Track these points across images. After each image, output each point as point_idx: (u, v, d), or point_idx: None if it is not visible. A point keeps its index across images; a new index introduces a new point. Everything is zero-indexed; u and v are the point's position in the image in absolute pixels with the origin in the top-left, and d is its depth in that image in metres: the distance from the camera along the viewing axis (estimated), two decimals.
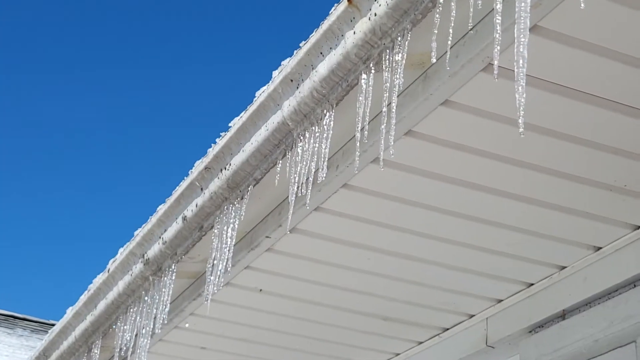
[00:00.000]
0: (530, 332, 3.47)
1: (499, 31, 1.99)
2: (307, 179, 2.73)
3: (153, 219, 3.50)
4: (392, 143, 2.36)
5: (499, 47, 1.99)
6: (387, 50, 2.38)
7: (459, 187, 2.89)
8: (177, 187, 3.33)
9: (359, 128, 2.48)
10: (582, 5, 1.79)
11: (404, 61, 2.31)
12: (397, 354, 4.12)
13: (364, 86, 2.46)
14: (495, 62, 1.95)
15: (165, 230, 3.45)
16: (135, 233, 3.65)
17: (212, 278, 3.16)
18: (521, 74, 1.85)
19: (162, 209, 3.44)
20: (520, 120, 1.83)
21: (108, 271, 3.88)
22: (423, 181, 2.87)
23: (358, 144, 2.51)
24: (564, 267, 3.33)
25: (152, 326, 3.60)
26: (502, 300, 3.58)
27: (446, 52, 2.27)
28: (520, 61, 1.86)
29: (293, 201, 2.76)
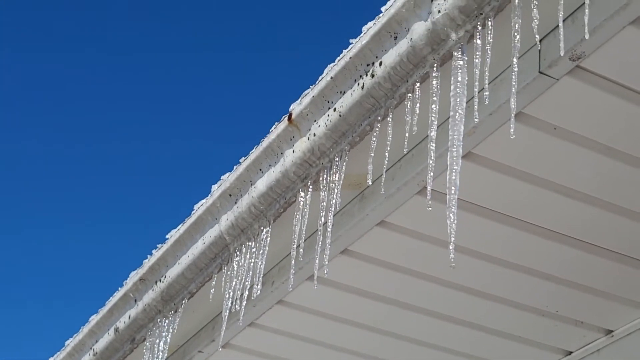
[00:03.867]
0: None
1: (432, 157, 2.04)
2: (242, 294, 2.72)
3: (85, 329, 3.44)
4: (327, 262, 2.38)
5: (432, 173, 2.04)
6: (325, 170, 2.42)
7: (392, 307, 2.91)
8: (111, 298, 3.29)
9: (295, 245, 2.49)
10: (512, 135, 1.85)
11: (341, 181, 2.35)
12: None
13: (302, 204, 2.49)
14: (428, 188, 2.00)
15: (96, 341, 3.39)
16: (66, 343, 3.58)
17: None
18: (453, 201, 1.89)
19: (94, 319, 3.39)
20: (451, 247, 1.87)
21: None
22: (357, 299, 2.88)
23: (293, 262, 2.52)
24: None
25: None
26: None
27: (382, 174, 2.31)
28: (452, 188, 1.90)
29: (226, 317, 2.74)
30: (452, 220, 1.86)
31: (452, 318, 2.94)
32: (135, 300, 3.16)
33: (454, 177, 1.89)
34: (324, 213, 2.42)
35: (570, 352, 3.09)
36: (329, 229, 2.42)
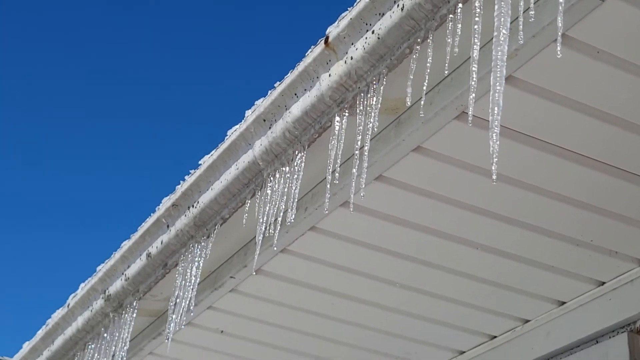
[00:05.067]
0: None
1: (474, 79, 2.00)
2: (276, 219, 2.71)
3: (117, 255, 3.46)
4: (363, 186, 2.36)
5: (474, 95, 2.00)
6: (362, 94, 2.38)
7: (426, 235, 2.89)
8: (143, 224, 3.29)
9: (330, 170, 2.47)
10: (559, 54, 1.81)
11: (378, 105, 2.32)
12: None
13: (337, 129, 2.46)
14: (470, 109, 1.96)
15: (128, 267, 3.41)
16: (98, 268, 3.60)
17: (173, 316, 3.11)
18: (495, 122, 1.86)
19: (126, 245, 3.40)
20: (493, 168, 1.84)
21: (68, 306, 3.81)
22: (391, 227, 2.86)
23: (328, 186, 2.50)
24: (527, 321, 3.32)
25: None
26: (464, 352, 3.56)
27: (420, 98, 2.28)
28: (495, 109, 1.87)
29: (260, 241, 2.74)
30: (494, 140, 1.83)
31: (486, 246, 2.93)
32: (168, 226, 3.16)
33: (497, 98, 1.86)
34: (359, 138, 2.40)
35: (603, 283, 3.07)
36: (365, 154, 2.40)
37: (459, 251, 2.95)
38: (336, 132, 2.46)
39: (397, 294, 3.22)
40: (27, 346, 4.20)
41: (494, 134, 1.85)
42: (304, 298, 3.32)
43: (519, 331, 3.36)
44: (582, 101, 2.35)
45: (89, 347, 3.74)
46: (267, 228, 2.71)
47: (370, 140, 2.40)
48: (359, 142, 2.40)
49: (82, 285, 3.73)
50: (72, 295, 3.80)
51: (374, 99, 2.34)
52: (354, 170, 2.41)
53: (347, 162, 2.56)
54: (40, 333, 4.06)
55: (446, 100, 2.32)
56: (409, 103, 2.23)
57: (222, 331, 3.60)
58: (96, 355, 3.67)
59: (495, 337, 3.44)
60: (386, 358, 3.66)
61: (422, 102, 2.27)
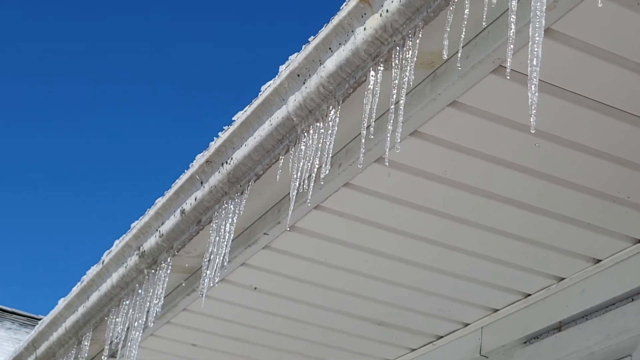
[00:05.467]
0: (525, 343, 3.44)
1: (512, 29, 1.97)
2: (309, 175, 2.70)
3: (151, 212, 3.47)
4: (399, 141, 2.34)
5: (512, 46, 1.97)
6: (397, 48, 2.36)
7: (461, 191, 2.87)
8: (177, 180, 3.30)
9: (365, 125, 2.45)
10: (600, 4, 1.77)
11: (414, 59, 2.29)
12: None
13: (372, 83, 2.44)
14: (508, 60, 1.93)
15: (162, 223, 3.42)
16: (132, 225, 3.62)
17: (207, 272, 3.13)
18: (534, 73, 1.83)
19: (160, 201, 3.41)
20: (532, 120, 1.81)
21: (102, 263, 3.84)
22: (425, 183, 2.85)
23: (363, 141, 2.48)
24: (562, 279, 3.30)
25: (144, 320, 3.57)
26: (498, 310, 3.55)
27: (457, 52, 2.25)
28: (534, 60, 1.84)
29: (294, 197, 2.73)
30: (533, 92, 1.80)
31: (521, 203, 2.90)
32: (202, 182, 3.16)
33: (536, 49, 1.83)
34: (395, 92, 2.38)
35: (639, 240, 3.04)
36: (400, 109, 2.38)
37: (494, 208, 2.93)
38: (371, 86, 2.44)
39: (430, 251, 3.21)
40: (62, 302, 4.25)
41: (533, 86, 1.82)
42: (337, 255, 3.31)
43: (553, 289, 3.34)
44: (622, 54, 2.31)
45: (124, 303, 3.77)
46: (301, 184, 2.70)
47: (406, 95, 2.38)
48: (394, 97, 2.38)
49: (116, 242, 3.75)
50: (107, 252, 3.83)
51: (410, 52, 2.31)
52: (389, 125, 2.39)
53: (382, 117, 2.54)
54: (76, 289, 4.10)
55: (483, 54, 2.29)
56: (445, 56, 2.20)
57: (255, 288, 3.61)
58: (131, 311, 3.70)
59: (529, 295, 3.43)
60: (420, 315, 3.66)
61: (459, 56, 2.24)
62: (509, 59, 1.95)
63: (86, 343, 4.11)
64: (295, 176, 2.71)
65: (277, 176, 2.85)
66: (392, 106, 2.38)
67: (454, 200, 2.92)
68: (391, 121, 2.38)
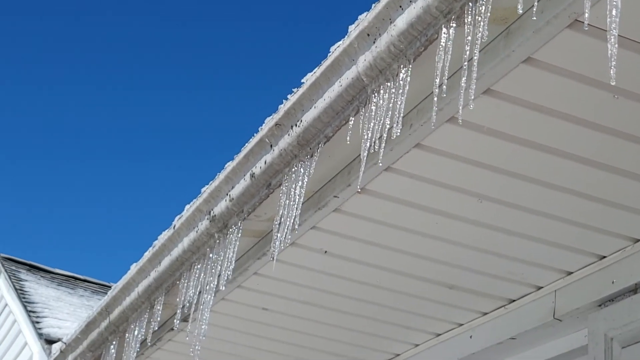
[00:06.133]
0: (600, 305, 3.39)
1: None
2: (380, 136, 2.68)
3: (221, 176, 3.48)
4: (473, 98, 2.30)
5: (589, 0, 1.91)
6: (470, 4, 2.31)
7: (535, 151, 2.81)
8: (247, 144, 3.30)
9: (437, 84, 2.42)
10: None
11: (487, 14, 2.24)
12: (461, 324, 4.06)
13: (444, 41, 2.40)
14: (586, 12, 1.88)
15: (232, 187, 3.43)
16: (203, 190, 3.64)
17: (278, 235, 3.13)
18: (613, 24, 1.77)
19: (230, 165, 3.42)
20: (611, 72, 1.76)
21: (174, 227, 3.87)
22: (498, 143, 2.80)
23: (436, 99, 2.44)
24: (638, 240, 3.24)
25: (216, 283, 3.59)
26: (572, 273, 3.50)
27: (532, 6, 2.20)
28: (614, 11, 1.78)
29: (365, 158, 2.71)
30: (612, 43, 1.75)
31: (596, 162, 2.84)
32: (271, 146, 3.15)
33: (614, 1, 1.77)
34: (468, 50, 2.34)
35: None
36: (473, 66, 2.34)
37: (569, 167, 2.87)
38: (443, 44, 2.40)
39: (503, 212, 3.17)
40: (134, 268, 4.30)
41: (612, 37, 1.77)
42: (407, 217, 3.29)
43: (629, 251, 3.27)
44: None
45: (195, 267, 3.80)
46: (372, 145, 2.68)
47: (479, 52, 2.33)
48: (467, 54, 2.34)
49: (187, 206, 3.77)
50: (178, 216, 3.85)
51: (483, 8, 2.27)
52: (462, 82, 2.35)
53: (454, 75, 2.50)
54: (147, 254, 4.14)
55: (559, 8, 2.23)
56: (520, 11, 2.15)
57: (325, 251, 3.61)
58: (202, 275, 3.73)
59: (604, 257, 3.37)
60: (491, 279, 3.63)
61: (534, 10, 2.19)
62: (586, 12, 1.89)
63: (158, 307, 4.15)
64: (365, 137, 2.69)
65: (347, 138, 2.83)
66: (465, 63, 2.34)
67: (527, 160, 2.87)
68: (464, 78, 2.34)
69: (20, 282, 8.43)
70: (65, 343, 5.28)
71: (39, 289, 8.40)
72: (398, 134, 2.57)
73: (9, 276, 8.59)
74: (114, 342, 4.68)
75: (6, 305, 8.45)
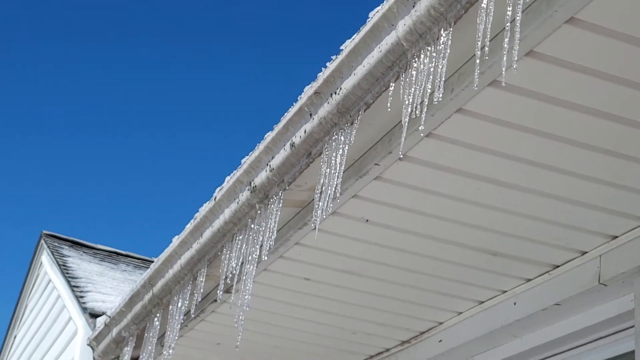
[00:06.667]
0: None
1: None
2: (422, 101, 2.65)
3: (261, 146, 3.47)
4: (516, 59, 2.26)
5: None
6: None
7: (581, 114, 2.77)
8: (286, 114, 3.28)
9: (479, 47, 2.38)
10: None
11: None
12: (504, 291, 4.03)
13: (485, 2, 2.36)
14: None
15: (272, 158, 3.42)
16: (243, 161, 3.63)
17: (319, 204, 3.11)
18: None
19: (269, 136, 3.41)
20: None
21: (214, 199, 3.88)
22: (542, 106, 2.76)
23: (478, 62, 2.41)
24: None
25: (258, 254, 3.59)
26: (617, 237, 3.45)
27: None
28: None
29: (406, 124, 2.68)
30: None
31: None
32: (311, 115, 3.13)
33: None
34: (509, 11, 2.30)
35: None
36: (516, 28, 2.29)
37: (614, 130, 2.82)
38: (484, 5, 2.35)
39: (547, 177, 3.12)
40: (176, 240, 4.31)
41: None
42: (449, 184, 3.26)
43: None
44: None
45: (237, 238, 3.80)
46: (413, 111, 2.65)
47: (521, 12, 2.29)
48: (509, 15, 2.30)
49: (227, 178, 3.77)
50: (219, 188, 3.86)
51: None
52: (505, 44, 2.31)
53: (496, 38, 2.46)
54: (189, 227, 4.15)
55: None
56: None
57: (367, 220, 3.59)
58: (244, 246, 3.73)
59: None
60: (535, 245, 3.59)
61: None
62: None
63: (201, 279, 4.17)
64: (406, 103, 2.66)
65: (388, 104, 2.80)
66: (508, 25, 2.30)
67: (572, 123, 2.82)
68: (506, 40, 2.30)
69: (63, 258, 8.52)
70: (109, 316, 5.33)
71: (82, 265, 8.48)
72: (440, 99, 2.54)
73: (52, 252, 8.69)
74: (157, 315, 4.71)
75: (50, 281, 8.55)
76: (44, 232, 9.48)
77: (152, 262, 4.91)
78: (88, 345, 5.83)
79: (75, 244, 9.39)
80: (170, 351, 4.43)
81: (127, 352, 5.17)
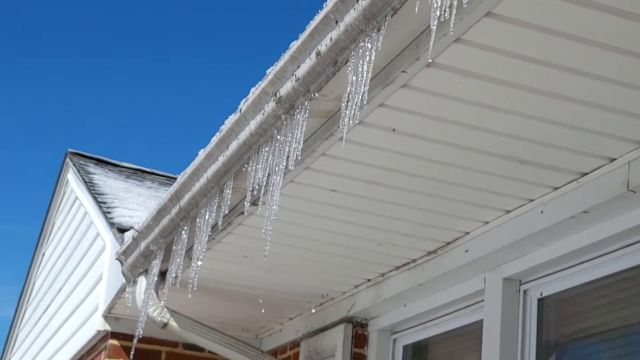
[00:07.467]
0: None
1: None
2: (450, 4, 2.60)
3: (286, 56, 3.43)
4: None
5: None
6: None
7: (613, 16, 2.71)
8: (311, 22, 3.24)
9: None
10: None
11: None
12: (532, 200, 4.02)
13: None
14: None
15: (298, 67, 3.38)
16: (267, 71, 3.60)
17: (347, 112, 3.09)
18: None
19: (294, 45, 3.37)
20: None
21: (240, 111, 3.86)
22: (576, 9, 2.70)
23: None
24: None
25: (284, 165, 3.58)
26: None
27: None
28: None
29: (435, 28, 2.63)
30: None
31: None
32: (336, 22, 3.09)
33: None
34: None
35: None
36: None
37: None
38: None
39: (576, 82, 3.08)
40: (202, 153, 4.31)
41: None
42: (478, 91, 3.22)
43: None
44: None
45: (263, 150, 3.80)
46: (442, 14, 2.60)
47: None
48: None
49: (252, 89, 3.74)
50: (244, 100, 3.83)
51: None
52: None
53: None
54: (215, 139, 4.15)
55: None
56: None
57: (394, 129, 3.57)
58: (270, 157, 3.73)
59: None
60: (563, 152, 3.56)
61: None
62: None
63: (228, 192, 4.17)
64: (435, 6, 2.61)
65: (415, 8, 2.75)
66: None
67: (604, 26, 2.76)
68: None
69: (89, 176, 8.57)
70: (137, 230, 5.37)
71: (108, 182, 8.54)
72: (469, 1, 2.49)
73: (78, 170, 8.74)
74: (185, 228, 4.74)
75: (76, 198, 8.62)
76: (69, 150, 9.53)
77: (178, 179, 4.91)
78: (116, 259, 5.89)
79: (100, 162, 9.44)
80: (199, 263, 4.47)
81: (155, 265, 5.23)
